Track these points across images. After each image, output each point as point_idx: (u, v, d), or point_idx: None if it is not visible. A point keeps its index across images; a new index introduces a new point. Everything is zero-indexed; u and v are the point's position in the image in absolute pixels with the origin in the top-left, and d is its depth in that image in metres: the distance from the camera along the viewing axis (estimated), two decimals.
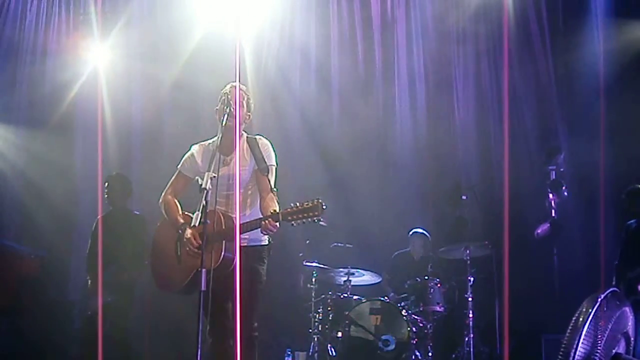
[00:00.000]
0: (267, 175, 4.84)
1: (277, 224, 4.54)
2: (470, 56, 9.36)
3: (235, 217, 4.71)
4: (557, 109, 8.87)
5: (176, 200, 5.13)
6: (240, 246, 4.73)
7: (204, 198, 4.31)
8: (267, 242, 4.99)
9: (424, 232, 8.68)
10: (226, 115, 4.78)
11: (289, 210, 4.50)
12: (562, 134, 8.76)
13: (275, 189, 4.81)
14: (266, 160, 4.92)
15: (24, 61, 9.41)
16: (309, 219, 4.46)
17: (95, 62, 9.09)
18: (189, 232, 4.77)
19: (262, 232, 4.66)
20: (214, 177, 4.44)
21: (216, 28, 8.84)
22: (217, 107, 5.03)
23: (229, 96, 4.90)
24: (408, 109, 9.41)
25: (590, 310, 3.10)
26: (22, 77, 9.40)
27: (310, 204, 4.46)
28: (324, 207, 4.45)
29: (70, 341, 7.49)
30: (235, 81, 5.04)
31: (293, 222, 4.49)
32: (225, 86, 5.05)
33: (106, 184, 7.38)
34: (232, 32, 8.67)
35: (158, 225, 5.24)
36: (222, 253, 4.63)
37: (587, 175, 8.46)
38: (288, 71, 9.46)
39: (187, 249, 4.76)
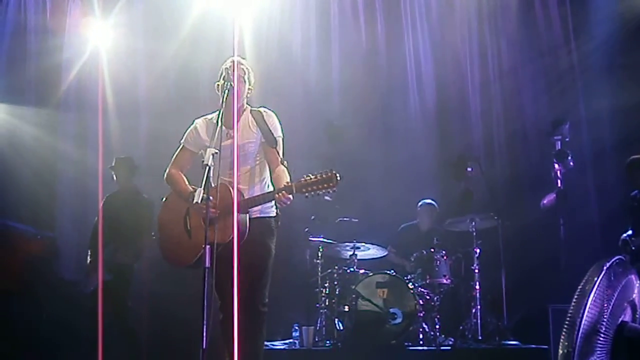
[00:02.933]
0: (275, 147, 4.83)
1: (291, 196, 4.52)
2: (475, 27, 9.30)
3: (234, 191, 4.68)
4: (565, 78, 8.81)
5: (182, 174, 5.12)
6: (251, 218, 4.74)
7: (206, 174, 4.29)
8: (275, 214, 4.98)
9: (432, 202, 8.69)
10: (227, 91, 4.75)
11: (302, 182, 4.47)
12: (570, 103, 8.71)
13: (283, 160, 4.80)
14: (273, 132, 4.90)
15: (27, 41, 9.36)
16: (324, 191, 4.43)
17: (96, 41, 9.01)
18: (202, 196, 4.75)
19: (276, 205, 4.65)
20: (216, 152, 4.41)
21: (217, 2, 8.78)
22: (218, 82, 5.01)
23: (230, 71, 4.87)
24: (412, 80, 9.36)
25: (596, 278, 3.08)
26: (25, 58, 9.35)
27: (324, 175, 4.43)
28: (339, 177, 4.42)
29: (78, 319, 7.51)
30: (234, 55, 5.02)
31: (307, 194, 4.47)
32: (226, 61, 5.02)
33: (112, 166, 7.47)
34: (232, 6, 8.63)
35: (164, 200, 5.21)
36: (233, 228, 4.61)
37: (594, 145, 8.45)
38: (288, 44, 9.39)
39: (204, 212, 4.72)
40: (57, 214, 9.02)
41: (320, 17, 9.46)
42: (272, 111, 5.10)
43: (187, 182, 5.06)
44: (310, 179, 4.45)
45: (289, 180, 4.60)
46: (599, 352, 3.05)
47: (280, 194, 4.51)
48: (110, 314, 6.82)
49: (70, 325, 7.63)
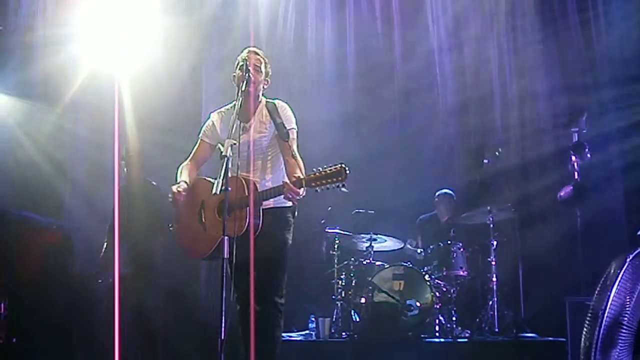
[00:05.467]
0: (287, 141, 4.82)
1: (301, 190, 4.51)
2: (494, 17, 9.23)
3: (250, 185, 4.69)
4: (584, 71, 8.73)
5: (195, 167, 5.15)
6: (265, 209, 4.75)
7: (224, 165, 4.29)
8: (291, 204, 4.94)
9: (449, 191, 8.68)
10: (245, 82, 4.75)
11: (312, 176, 4.47)
12: (588, 95, 8.63)
13: (296, 154, 4.78)
14: (285, 124, 4.89)
15: (39, 35, 9.35)
16: (333, 185, 4.42)
17: (113, 30, 8.98)
18: (178, 186, 4.89)
19: (284, 199, 4.64)
20: (234, 144, 4.42)
21: None
22: (235, 73, 5.00)
23: (247, 62, 4.87)
24: (430, 71, 9.30)
25: (618, 271, 3.06)
26: (39, 48, 9.34)
27: (333, 169, 4.42)
28: (348, 171, 4.41)
29: (95, 310, 7.54)
30: (251, 46, 5.03)
31: (317, 188, 4.46)
32: (242, 52, 5.02)
33: (122, 158, 7.45)
34: None
35: None
36: (247, 220, 4.62)
37: (612, 138, 8.39)
38: (303, 35, 9.38)
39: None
40: (68, 205, 9.03)
41: (336, 5, 9.42)
42: (286, 102, 5.09)
43: (191, 175, 5.11)
44: (320, 173, 4.45)
45: (300, 174, 4.59)
46: (621, 344, 3.03)
47: (287, 188, 4.50)
48: (128, 306, 6.83)
49: (86, 316, 7.66)
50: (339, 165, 4.42)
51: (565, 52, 8.88)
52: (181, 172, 5.13)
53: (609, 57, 8.58)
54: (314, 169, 4.49)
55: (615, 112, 8.36)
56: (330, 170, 4.43)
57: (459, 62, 9.26)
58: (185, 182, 4.96)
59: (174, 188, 4.88)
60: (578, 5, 8.85)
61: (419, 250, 8.42)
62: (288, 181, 4.58)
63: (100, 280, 7.19)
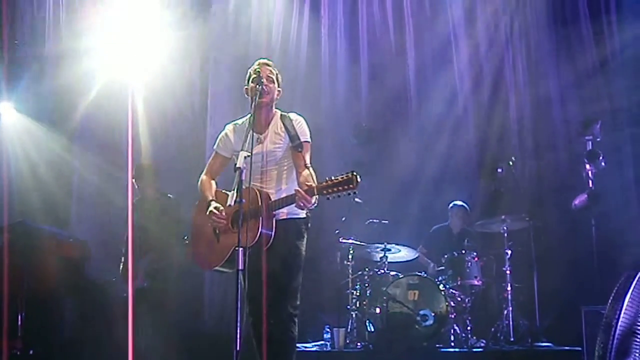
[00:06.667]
0: (301, 152, 4.85)
1: (313, 198, 4.53)
2: (507, 28, 9.23)
3: (264, 195, 4.72)
4: (598, 78, 8.71)
5: (212, 180, 5.17)
6: (278, 220, 4.76)
7: (238, 177, 4.32)
8: (305, 215, 4.97)
9: (463, 204, 8.67)
10: (258, 93, 4.79)
11: (324, 184, 4.48)
12: (602, 103, 8.61)
13: (309, 165, 4.81)
14: (300, 136, 4.91)
15: (52, 48, 9.40)
16: (345, 192, 4.43)
17: (127, 43, 9.02)
18: (212, 206, 4.86)
19: (296, 207, 4.65)
20: (248, 156, 4.45)
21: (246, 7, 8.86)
22: (247, 86, 5.03)
23: (260, 74, 4.90)
24: (442, 80, 9.30)
25: (631, 280, 3.06)
26: (50, 65, 9.38)
27: (345, 177, 4.43)
28: (359, 179, 4.42)
29: (114, 323, 7.56)
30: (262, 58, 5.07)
31: (328, 196, 4.47)
32: (253, 64, 5.05)
33: (134, 173, 7.45)
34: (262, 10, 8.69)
35: (196, 204, 5.27)
36: (259, 230, 4.64)
37: (627, 145, 8.36)
38: (316, 46, 9.41)
39: (210, 222, 4.85)
40: (76, 219, 9.08)
41: (349, 18, 9.45)
42: (301, 116, 5.11)
43: (213, 189, 5.12)
44: (332, 181, 4.46)
45: (312, 183, 4.61)
46: (636, 353, 3.02)
47: (299, 196, 4.52)
48: (147, 318, 6.83)
49: (101, 328, 7.68)
50: (350, 174, 4.43)
51: (578, 60, 8.87)
52: (203, 189, 5.14)
53: (623, 65, 8.55)
54: (326, 178, 4.50)
55: (630, 120, 8.34)
56: (341, 178, 4.44)
57: (473, 73, 9.25)
58: (216, 202, 4.97)
59: (215, 211, 4.85)
60: (590, 11, 8.84)
61: (431, 264, 8.42)
62: (300, 189, 4.61)
63: (124, 295, 7.17)
